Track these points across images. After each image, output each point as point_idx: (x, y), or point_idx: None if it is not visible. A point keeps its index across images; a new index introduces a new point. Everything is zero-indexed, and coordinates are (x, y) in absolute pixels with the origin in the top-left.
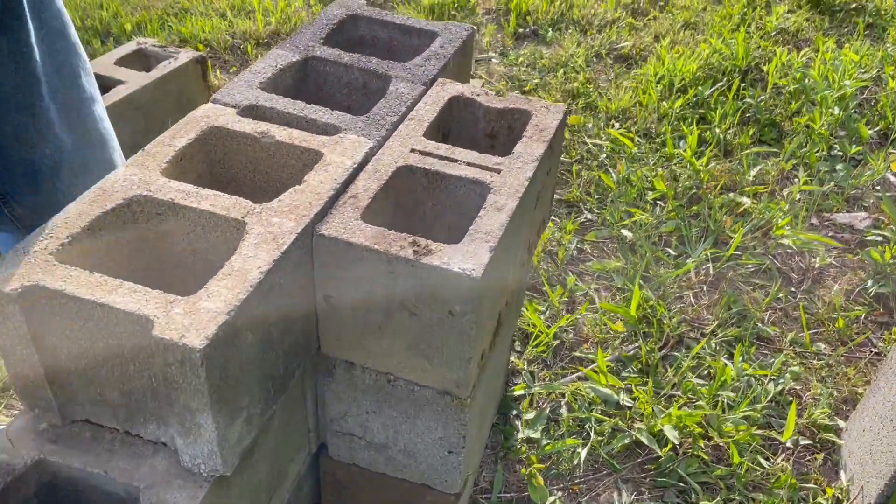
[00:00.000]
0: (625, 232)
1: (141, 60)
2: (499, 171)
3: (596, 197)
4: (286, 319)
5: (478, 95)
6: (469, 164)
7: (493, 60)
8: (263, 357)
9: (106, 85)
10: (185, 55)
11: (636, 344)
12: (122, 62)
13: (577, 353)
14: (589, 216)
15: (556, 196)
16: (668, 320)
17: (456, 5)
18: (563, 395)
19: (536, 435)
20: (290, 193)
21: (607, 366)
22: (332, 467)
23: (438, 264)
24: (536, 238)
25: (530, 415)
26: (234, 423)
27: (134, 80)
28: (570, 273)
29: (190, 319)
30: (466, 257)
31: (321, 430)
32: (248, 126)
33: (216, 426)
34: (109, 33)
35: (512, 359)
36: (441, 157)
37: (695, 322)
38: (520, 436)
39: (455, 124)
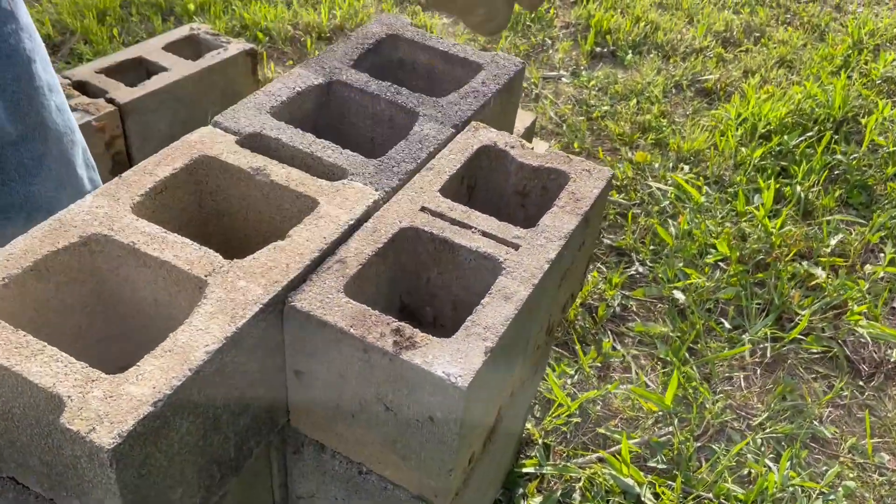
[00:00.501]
0: (677, 294)
1: (192, 47)
2: (517, 248)
3: (651, 248)
4: (240, 400)
5: (512, 147)
6: (485, 233)
7: (564, 80)
8: (206, 443)
9: (150, 70)
10: (235, 46)
11: (670, 428)
12: (172, 48)
13: (603, 430)
14: (640, 269)
15: (607, 241)
16: (710, 405)
17: (532, 16)
18: (578, 479)
19: None
20: (269, 250)
21: (634, 451)
22: None
23: (419, 363)
24: (561, 315)
25: (537, 499)
26: None
27: (178, 68)
28: (608, 333)
29: (107, 407)
30: (455, 359)
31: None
32: (244, 160)
33: None
34: (172, 12)
35: (528, 426)
36: (454, 222)
37: (741, 410)
38: None
39: (483, 175)
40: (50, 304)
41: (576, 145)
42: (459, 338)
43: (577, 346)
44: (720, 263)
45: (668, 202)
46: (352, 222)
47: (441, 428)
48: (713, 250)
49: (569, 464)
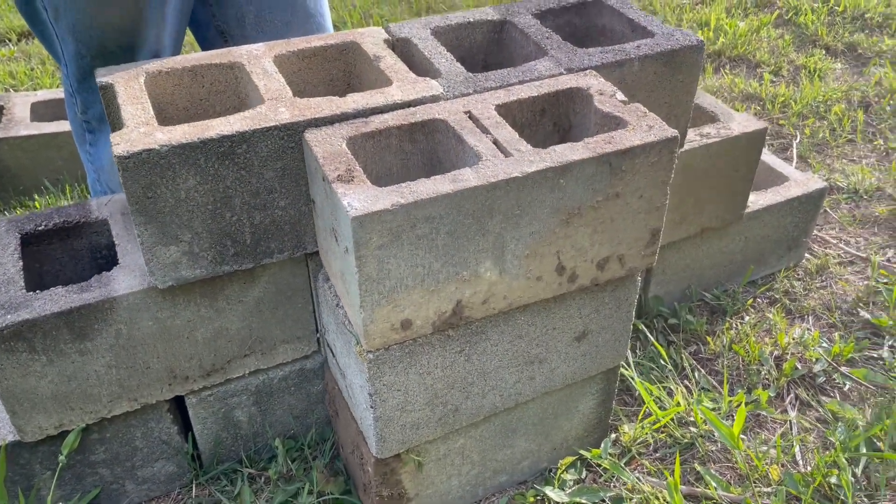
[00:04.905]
0: None
1: None
2: (507, 156)
3: None
4: (256, 197)
5: (600, 94)
6: (495, 142)
7: None
8: (217, 211)
9: None
10: None
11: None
12: None
13: (699, 468)
14: (886, 354)
15: (864, 315)
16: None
17: None
18: (635, 492)
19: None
20: (323, 99)
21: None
22: (328, 376)
23: (339, 192)
24: (597, 271)
25: (570, 476)
26: (168, 248)
27: None
28: (789, 391)
29: (139, 137)
30: (366, 198)
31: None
32: (373, 49)
33: (140, 235)
34: None
35: (626, 429)
36: (480, 128)
37: None
38: (548, 492)
39: (578, 120)
40: (202, 104)
41: None
42: (386, 190)
43: (725, 382)
44: None
45: None
46: (400, 102)
47: (350, 259)
48: None
49: (634, 474)
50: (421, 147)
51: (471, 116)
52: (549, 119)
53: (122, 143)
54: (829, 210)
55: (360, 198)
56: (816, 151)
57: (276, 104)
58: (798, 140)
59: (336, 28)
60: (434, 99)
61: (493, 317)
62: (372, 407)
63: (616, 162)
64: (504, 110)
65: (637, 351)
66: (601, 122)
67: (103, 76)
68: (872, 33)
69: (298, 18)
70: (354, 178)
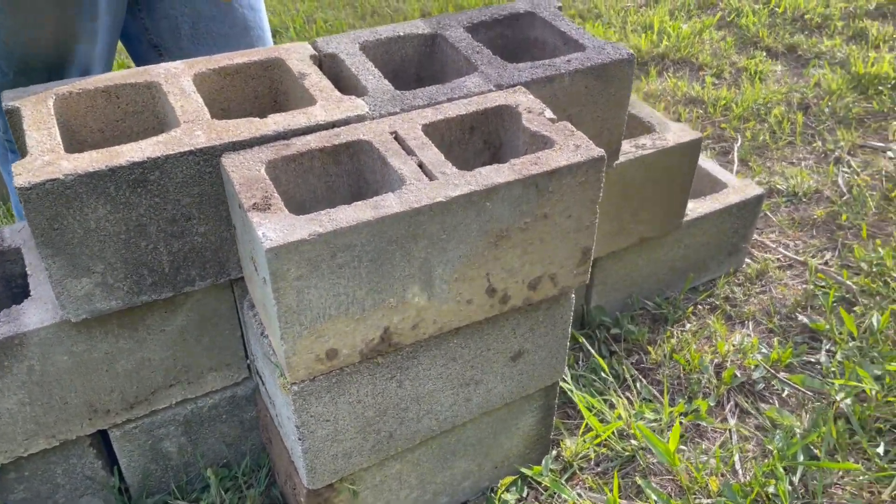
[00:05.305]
0: (841, 396)
1: None
2: (431, 179)
3: (855, 345)
4: (172, 224)
5: (529, 111)
6: (420, 164)
7: (890, 154)
8: (130, 240)
9: None
10: None
11: None
12: None
13: (640, 482)
14: (823, 359)
15: (803, 319)
16: None
17: None
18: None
19: None
20: (243, 121)
21: None
22: (261, 403)
23: (254, 221)
24: (529, 291)
25: (511, 495)
26: (79, 280)
27: None
28: (729, 399)
29: (42, 167)
30: (283, 228)
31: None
32: (298, 66)
33: (48, 268)
34: None
35: (568, 443)
36: (405, 149)
37: None
38: None
39: (508, 137)
40: (118, 126)
41: (843, 217)
42: (304, 219)
43: (665, 393)
44: None
45: None
46: (324, 122)
47: (268, 290)
48: None
49: (575, 490)
50: (346, 169)
51: (396, 137)
52: (479, 137)
53: (24, 173)
54: (768, 213)
55: (275, 227)
56: (757, 154)
57: (193, 127)
58: (739, 143)
59: (278, 33)
60: (360, 119)
61: (425, 341)
62: (300, 439)
63: (543, 183)
64: (431, 129)
65: (580, 363)
66: (529, 140)
67: (10, 100)
68: (812, 34)
69: (237, 31)
70: (271, 206)
